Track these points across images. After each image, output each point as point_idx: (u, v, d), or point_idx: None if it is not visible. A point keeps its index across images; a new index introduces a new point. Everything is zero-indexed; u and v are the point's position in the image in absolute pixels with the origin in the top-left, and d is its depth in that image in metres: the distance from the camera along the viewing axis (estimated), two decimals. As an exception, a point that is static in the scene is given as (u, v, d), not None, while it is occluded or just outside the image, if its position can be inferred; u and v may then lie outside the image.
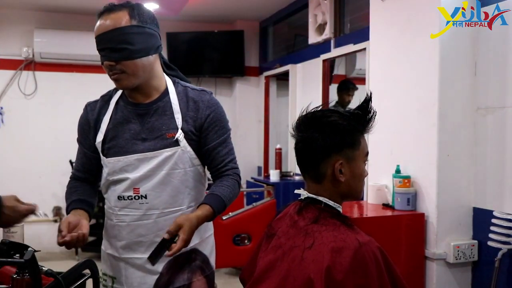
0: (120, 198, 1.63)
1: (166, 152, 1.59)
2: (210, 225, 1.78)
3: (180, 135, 1.59)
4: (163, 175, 1.59)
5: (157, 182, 1.59)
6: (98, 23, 1.57)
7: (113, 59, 1.52)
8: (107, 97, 1.71)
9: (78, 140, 1.74)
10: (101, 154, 1.66)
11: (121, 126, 1.63)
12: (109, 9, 1.55)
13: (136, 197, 1.60)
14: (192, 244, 1.60)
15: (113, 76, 1.56)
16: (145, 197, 1.60)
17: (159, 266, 1.62)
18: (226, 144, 1.67)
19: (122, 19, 1.53)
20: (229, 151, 1.68)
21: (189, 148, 1.62)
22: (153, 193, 1.60)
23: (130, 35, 1.52)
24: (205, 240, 1.74)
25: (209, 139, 1.64)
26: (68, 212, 1.67)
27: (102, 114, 1.66)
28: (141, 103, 1.63)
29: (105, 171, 1.66)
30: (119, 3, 1.57)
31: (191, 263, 1.67)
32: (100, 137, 1.64)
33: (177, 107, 1.63)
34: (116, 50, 1.52)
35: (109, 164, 1.63)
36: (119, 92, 1.68)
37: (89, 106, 1.71)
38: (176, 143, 1.59)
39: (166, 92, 1.65)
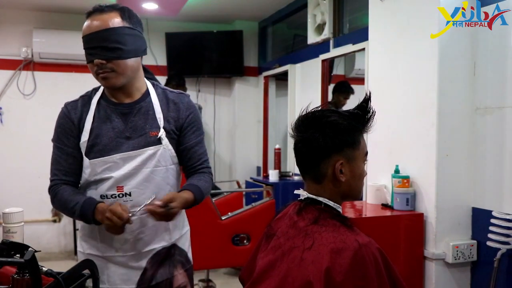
0: (103, 197, 1.64)
1: (150, 150, 1.64)
2: (187, 221, 1.87)
3: (162, 133, 1.66)
4: (147, 172, 1.64)
5: (141, 179, 1.63)
6: (88, 22, 1.60)
7: (106, 58, 1.56)
8: (86, 98, 1.72)
9: (58, 142, 1.68)
10: (83, 155, 1.64)
11: (104, 125, 1.65)
12: (100, 10, 1.59)
13: (120, 195, 1.63)
14: (173, 239, 1.74)
15: (102, 75, 1.59)
16: (129, 195, 1.63)
17: (143, 262, 1.68)
18: (202, 144, 1.78)
19: (114, 20, 1.58)
20: (204, 151, 1.79)
21: (170, 147, 1.69)
22: (138, 190, 1.63)
23: (122, 35, 1.58)
24: (183, 236, 1.82)
25: (187, 138, 1.73)
26: (84, 212, 1.59)
27: (85, 113, 1.67)
28: (124, 102, 1.68)
29: (85, 172, 1.65)
30: (110, 4, 1.62)
31: (172, 257, 1.74)
32: (85, 136, 1.64)
33: (158, 108, 1.69)
34: (109, 49, 1.56)
35: (92, 165, 1.63)
36: (99, 93, 1.71)
37: (69, 105, 1.69)
38: (159, 141, 1.66)
39: (147, 93, 1.71)
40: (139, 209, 1.56)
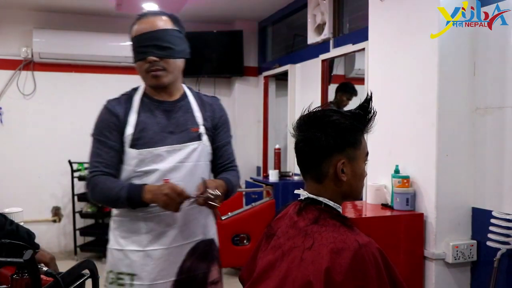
0: None
1: (192, 145, 1.73)
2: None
3: (202, 130, 1.77)
4: (190, 166, 1.72)
5: (185, 173, 1.70)
6: (141, 23, 1.71)
7: (159, 56, 1.67)
8: (128, 95, 1.78)
9: (100, 136, 1.71)
10: (127, 147, 1.68)
11: (149, 119, 1.71)
12: (152, 13, 1.74)
13: None
14: (207, 235, 1.81)
15: (153, 72, 1.68)
16: None
17: (183, 255, 1.72)
18: (231, 144, 1.89)
19: (166, 23, 1.72)
20: (233, 152, 1.90)
21: (208, 143, 1.78)
22: (182, 183, 1.66)
23: (174, 37, 1.71)
24: (216, 234, 1.88)
25: (220, 137, 1.83)
26: (132, 193, 1.61)
27: (129, 108, 1.73)
28: (166, 100, 1.76)
29: (130, 164, 1.68)
30: (159, 10, 1.77)
31: (210, 253, 1.81)
32: (130, 130, 1.69)
33: (196, 107, 1.80)
34: (162, 48, 1.67)
35: (139, 155, 1.67)
36: (140, 91, 1.78)
37: (112, 102, 1.75)
38: (199, 137, 1.76)
39: (185, 94, 1.82)
40: (194, 195, 1.60)
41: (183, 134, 1.73)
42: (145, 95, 1.76)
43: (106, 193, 1.65)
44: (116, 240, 1.75)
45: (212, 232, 1.84)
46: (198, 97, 1.84)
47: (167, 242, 1.70)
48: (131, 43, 1.74)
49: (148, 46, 1.67)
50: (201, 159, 1.75)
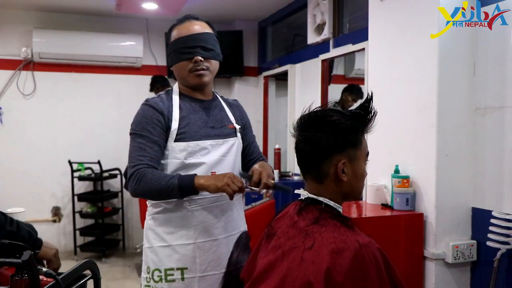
0: None
1: (231, 140, 1.83)
2: None
3: (238, 126, 1.88)
4: (231, 160, 1.81)
5: (228, 165, 1.79)
6: (183, 27, 1.81)
7: (205, 56, 1.77)
8: (165, 95, 1.83)
9: (143, 131, 1.72)
10: (171, 141, 1.73)
11: (192, 115, 1.79)
12: (195, 17, 1.85)
13: None
14: (246, 227, 1.91)
15: (199, 72, 1.77)
16: None
17: (231, 246, 1.79)
18: (256, 142, 2.03)
19: (207, 27, 1.84)
20: (259, 147, 2.05)
21: (241, 140, 1.89)
22: None
23: (214, 41, 1.83)
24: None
25: (248, 136, 1.97)
26: (184, 180, 1.64)
27: (171, 106, 1.78)
28: (203, 99, 1.85)
29: (177, 157, 1.73)
30: (197, 14, 1.87)
31: (248, 244, 1.88)
32: (175, 124, 1.74)
33: (226, 107, 1.91)
34: (208, 49, 1.78)
35: (188, 147, 1.73)
36: (176, 91, 1.84)
37: (153, 100, 1.78)
38: (235, 133, 1.86)
39: (215, 95, 1.92)
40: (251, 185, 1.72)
41: (222, 130, 1.82)
42: (182, 94, 1.83)
43: (155, 183, 1.64)
44: (160, 238, 1.76)
45: (245, 224, 1.92)
46: (224, 99, 1.95)
47: (216, 234, 1.75)
48: (172, 45, 1.81)
49: (195, 47, 1.76)
50: (238, 154, 1.85)
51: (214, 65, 1.82)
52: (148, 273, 1.76)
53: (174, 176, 1.65)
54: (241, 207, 1.91)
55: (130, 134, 1.76)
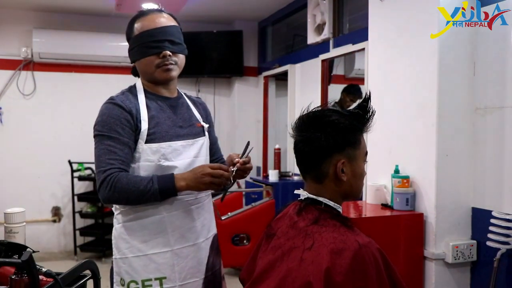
0: None
1: (201, 140, 1.76)
2: None
3: (205, 125, 1.81)
4: (203, 160, 1.74)
5: None
6: (146, 19, 1.68)
7: (174, 51, 1.68)
8: (130, 92, 1.71)
9: (111, 132, 1.61)
10: (142, 143, 1.62)
11: (160, 114, 1.69)
12: (159, 10, 1.74)
13: None
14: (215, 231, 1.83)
15: (168, 66, 1.67)
16: None
17: (207, 250, 1.73)
18: (218, 143, 1.98)
19: (173, 20, 1.73)
20: (220, 149, 1.99)
21: (208, 139, 1.82)
22: None
23: (180, 34, 1.73)
24: None
25: (212, 135, 1.89)
26: (163, 182, 1.57)
27: (138, 104, 1.67)
28: (169, 97, 1.75)
29: (151, 160, 1.62)
30: (159, 8, 1.76)
31: (219, 247, 1.84)
32: (144, 125, 1.63)
33: (191, 105, 1.83)
34: (176, 43, 1.69)
35: (161, 149, 1.63)
36: (140, 88, 1.72)
37: (118, 98, 1.66)
38: (203, 132, 1.79)
39: (180, 93, 1.83)
40: (234, 166, 1.65)
41: (191, 129, 1.74)
42: (147, 91, 1.72)
43: (132, 188, 1.54)
44: (134, 247, 1.64)
45: (215, 226, 1.85)
46: (187, 96, 1.86)
47: (193, 238, 1.68)
48: (135, 39, 1.68)
49: (163, 41, 1.65)
50: (207, 153, 1.79)
51: (182, 59, 1.72)
52: (123, 285, 1.63)
53: (151, 178, 1.56)
54: (211, 209, 1.81)
55: (95, 136, 1.64)
